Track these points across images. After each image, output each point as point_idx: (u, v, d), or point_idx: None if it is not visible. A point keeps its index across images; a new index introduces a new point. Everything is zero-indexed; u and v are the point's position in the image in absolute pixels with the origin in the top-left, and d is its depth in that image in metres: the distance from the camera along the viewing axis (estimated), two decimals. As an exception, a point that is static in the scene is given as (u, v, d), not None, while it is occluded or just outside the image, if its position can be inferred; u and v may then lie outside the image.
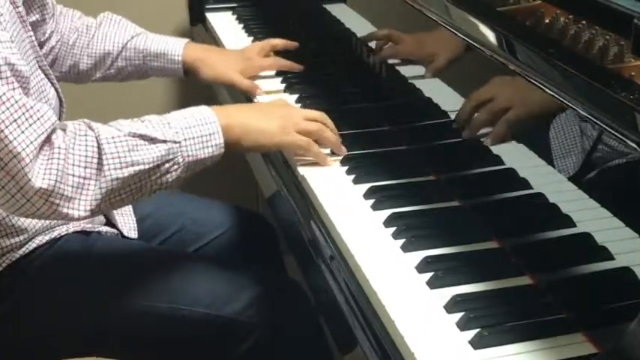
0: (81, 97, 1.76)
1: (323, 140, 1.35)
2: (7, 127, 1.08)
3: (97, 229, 1.45)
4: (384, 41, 1.55)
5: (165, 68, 1.66)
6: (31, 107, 1.11)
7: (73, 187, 1.12)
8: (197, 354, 1.37)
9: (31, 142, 1.10)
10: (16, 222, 1.32)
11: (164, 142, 1.19)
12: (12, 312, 1.35)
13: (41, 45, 1.55)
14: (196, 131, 1.22)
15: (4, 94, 1.09)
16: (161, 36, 1.67)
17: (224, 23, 2.04)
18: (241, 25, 2.02)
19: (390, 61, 1.51)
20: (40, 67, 1.31)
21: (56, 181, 1.11)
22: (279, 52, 1.74)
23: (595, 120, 0.93)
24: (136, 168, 1.17)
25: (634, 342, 0.83)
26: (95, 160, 1.14)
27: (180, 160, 1.21)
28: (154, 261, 1.42)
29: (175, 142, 1.20)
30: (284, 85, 1.67)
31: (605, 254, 0.99)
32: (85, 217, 1.16)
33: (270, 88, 1.66)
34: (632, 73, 0.97)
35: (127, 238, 1.50)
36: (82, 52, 1.64)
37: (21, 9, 1.25)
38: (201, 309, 1.34)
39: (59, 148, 1.12)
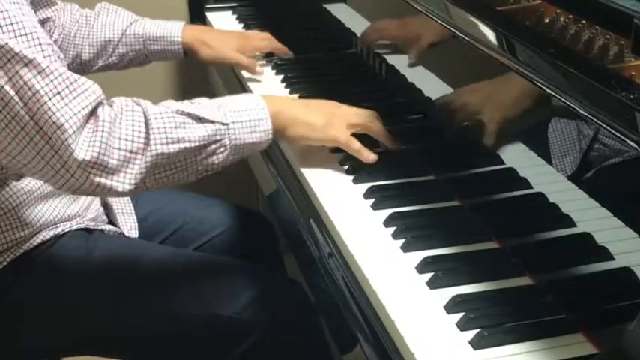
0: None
1: (372, 133, 1.34)
2: (50, 99, 1.09)
3: (99, 228, 1.45)
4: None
5: (166, 51, 1.69)
6: (76, 80, 1.12)
7: (118, 160, 1.13)
8: (197, 353, 1.37)
9: (75, 114, 1.10)
10: (21, 216, 1.33)
11: (212, 122, 1.20)
12: (14, 308, 1.35)
13: None
14: (245, 115, 1.23)
15: (48, 66, 1.10)
16: (158, 20, 1.70)
17: (224, 23, 2.04)
18: (241, 25, 2.02)
19: (390, 61, 1.51)
20: None
21: (99, 153, 1.11)
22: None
23: (595, 120, 0.93)
24: (182, 145, 1.17)
25: (634, 342, 0.83)
26: (143, 135, 1.15)
27: (227, 142, 1.21)
28: (154, 260, 1.42)
29: (223, 123, 1.21)
30: (284, 84, 1.67)
31: (605, 254, 0.99)
32: (129, 192, 1.16)
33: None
34: (632, 73, 0.97)
35: (129, 237, 1.51)
36: (83, 43, 1.66)
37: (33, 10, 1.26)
38: (201, 308, 1.34)
39: (104, 121, 1.13)
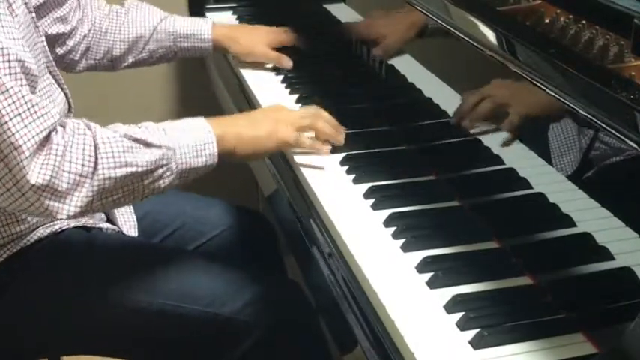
0: (87, 101, 1.78)
1: (318, 133, 1.37)
2: (10, 119, 1.10)
3: (98, 226, 1.45)
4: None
5: (195, 48, 1.74)
6: (37, 103, 1.13)
7: (68, 183, 1.13)
8: (196, 352, 1.37)
9: (33, 137, 1.11)
10: None
11: (159, 147, 1.21)
12: (11, 305, 1.35)
13: (69, 36, 1.64)
14: (191, 140, 1.24)
15: (12, 87, 1.10)
16: (187, 18, 1.76)
17: (224, 23, 2.03)
18: (241, 25, 2.02)
19: (390, 61, 1.51)
20: (50, 71, 1.32)
21: (51, 177, 1.12)
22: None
23: (595, 120, 0.93)
24: (129, 169, 1.18)
25: (634, 342, 0.83)
26: (92, 159, 1.16)
27: (174, 167, 1.22)
28: (154, 258, 1.42)
29: (170, 148, 1.22)
30: (284, 84, 1.67)
31: (605, 254, 0.99)
32: (74, 216, 1.16)
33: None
34: (632, 73, 0.97)
35: (128, 236, 1.51)
36: (114, 38, 1.70)
37: (34, 14, 1.27)
38: (201, 307, 1.34)
39: (57, 144, 1.13)
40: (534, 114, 1.11)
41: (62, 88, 1.38)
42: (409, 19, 1.34)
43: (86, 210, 1.17)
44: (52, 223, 1.38)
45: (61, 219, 1.16)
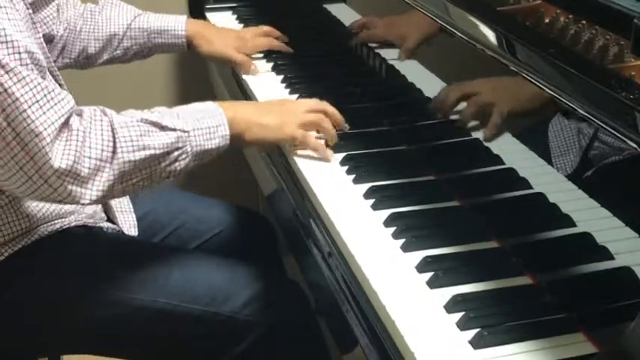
0: (85, 100, 1.79)
1: (321, 130, 1.38)
2: (29, 107, 1.11)
3: (98, 225, 1.46)
4: (360, 27, 1.63)
5: (170, 44, 1.73)
6: (53, 90, 1.15)
7: (89, 168, 1.16)
8: (195, 351, 1.38)
9: (52, 123, 1.13)
10: (18, 209, 1.33)
11: (174, 130, 1.23)
12: (12, 305, 1.35)
13: (55, 37, 1.65)
14: (204, 122, 1.27)
15: (28, 75, 1.12)
16: (162, 15, 1.74)
17: (224, 23, 2.03)
18: (241, 25, 2.02)
19: (390, 61, 1.52)
20: (48, 69, 1.33)
21: (74, 162, 1.14)
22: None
23: (595, 120, 0.93)
24: (147, 152, 1.20)
25: (634, 342, 0.83)
26: (111, 144, 1.18)
27: (189, 149, 1.25)
28: (154, 257, 1.43)
29: (184, 131, 1.24)
30: (284, 84, 1.67)
31: (605, 254, 0.99)
32: (96, 201, 1.19)
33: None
34: (632, 73, 0.97)
35: (128, 235, 1.51)
36: (89, 37, 1.70)
37: (30, 11, 1.28)
38: (201, 306, 1.34)
39: (77, 130, 1.16)
40: (521, 106, 1.12)
41: (60, 85, 1.38)
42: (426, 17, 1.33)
43: (107, 194, 1.19)
44: (52, 222, 1.38)
45: (83, 204, 1.18)
